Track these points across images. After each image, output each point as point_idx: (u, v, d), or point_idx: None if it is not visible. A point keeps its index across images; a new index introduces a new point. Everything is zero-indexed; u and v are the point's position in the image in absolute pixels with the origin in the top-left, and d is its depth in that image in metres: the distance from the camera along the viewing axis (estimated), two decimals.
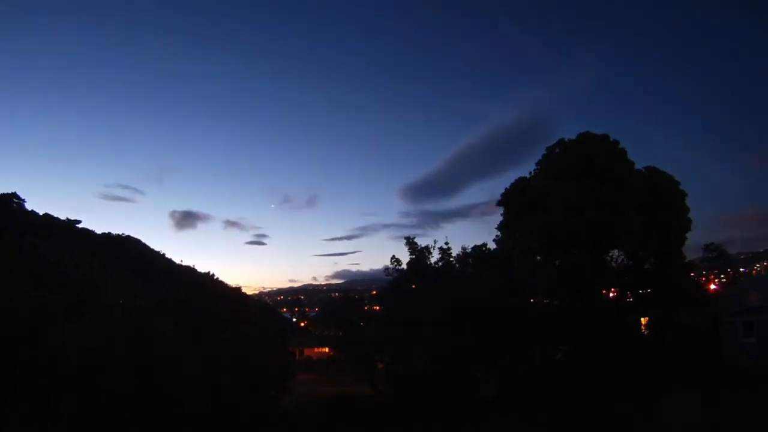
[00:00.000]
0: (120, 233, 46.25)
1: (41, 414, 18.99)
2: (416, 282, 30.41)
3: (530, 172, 33.78)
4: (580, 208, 27.72)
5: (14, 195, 46.02)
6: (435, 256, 30.26)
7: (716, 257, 37.01)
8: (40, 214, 40.85)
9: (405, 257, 30.40)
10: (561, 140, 32.70)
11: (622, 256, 29.71)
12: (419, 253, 30.07)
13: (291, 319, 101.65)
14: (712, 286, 40.58)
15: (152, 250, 50.72)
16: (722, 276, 41.63)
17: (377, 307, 38.42)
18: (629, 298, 29.45)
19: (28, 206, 39.67)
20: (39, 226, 37.83)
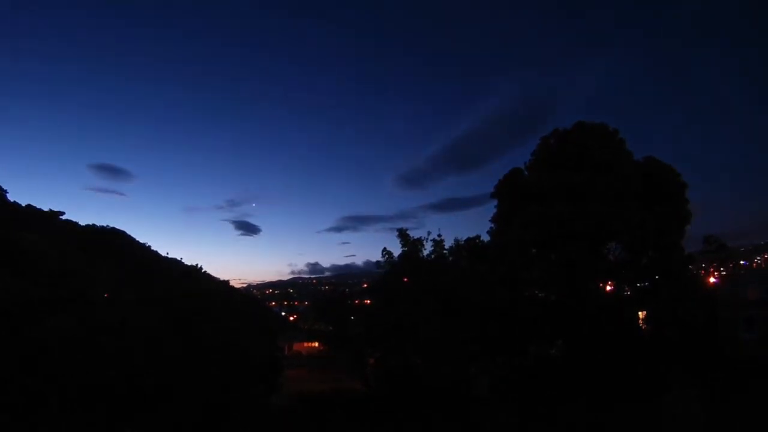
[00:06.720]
0: (105, 225, 45.12)
1: (28, 411, 18.51)
2: (408, 275, 29.81)
3: (525, 163, 33.01)
4: (577, 199, 27.07)
5: None
6: (428, 249, 29.75)
7: (716, 250, 36.25)
8: (23, 205, 39.63)
9: (397, 250, 29.82)
10: (556, 129, 31.96)
11: (620, 249, 29.04)
12: (411, 246, 29.48)
13: (280, 313, 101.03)
14: (712, 280, 39.99)
15: (138, 242, 49.63)
16: (722, 269, 41.01)
17: (368, 301, 37.87)
18: (627, 291, 28.80)
19: (10, 197, 38.51)
20: (21, 218, 36.67)
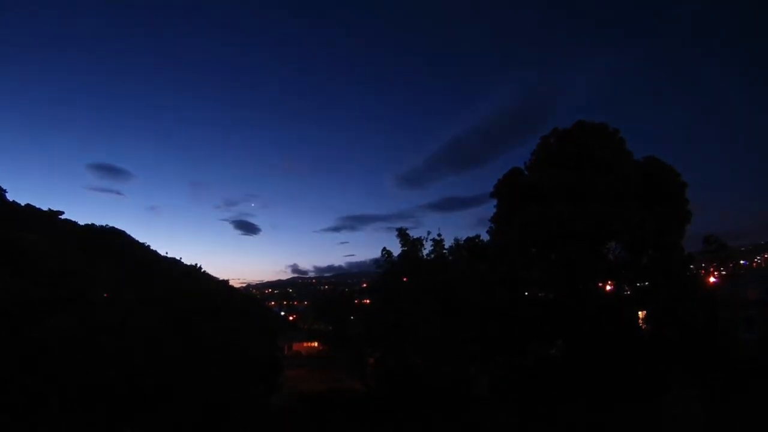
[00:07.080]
0: (104, 225, 44.94)
1: (28, 411, 18.48)
2: (408, 274, 29.76)
3: (525, 163, 33.00)
4: (577, 199, 27.04)
5: None
6: (427, 249, 29.69)
7: (716, 250, 36.14)
8: (22, 204, 39.57)
9: (397, 249, 29.78)
10: (556, 129, 31.92)
11: (620, 249, 29.02)
12: (411, 245, 29.42)
13: (280, 313, 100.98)
14: (712, 280, 39.88)
15: (138, 242, 49.40)
16: (722, 269, 40.88)
17: (368, 301, 37.81)
18: (627, 291, 28.78)
19: (10, 197, 38.48)
20: (21, 217, 36.61)
